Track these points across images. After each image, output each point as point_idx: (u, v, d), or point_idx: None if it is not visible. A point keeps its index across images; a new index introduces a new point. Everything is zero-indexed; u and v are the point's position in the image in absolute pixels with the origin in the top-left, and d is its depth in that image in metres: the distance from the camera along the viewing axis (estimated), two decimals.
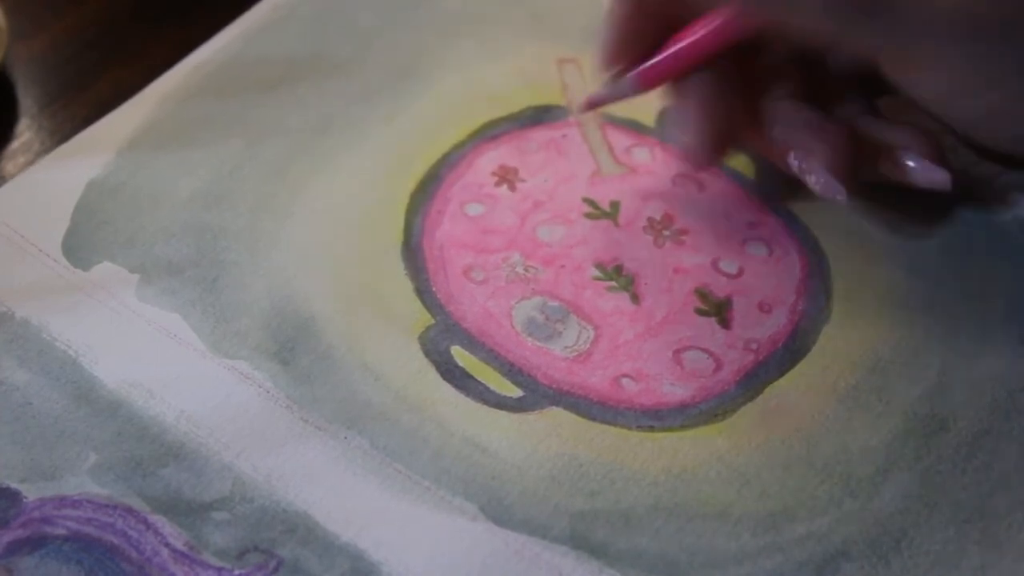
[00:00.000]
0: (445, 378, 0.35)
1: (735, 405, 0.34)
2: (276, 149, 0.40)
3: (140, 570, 0.31)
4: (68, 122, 0.41)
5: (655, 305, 0.36)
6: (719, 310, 0.36)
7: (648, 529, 0.32)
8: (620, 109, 0.40)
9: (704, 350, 0.35)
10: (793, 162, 0.36)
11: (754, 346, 0.36)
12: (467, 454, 0.33)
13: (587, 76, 0.42)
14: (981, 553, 0.31)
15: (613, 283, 0.37)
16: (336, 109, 0.41)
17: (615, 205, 0.39)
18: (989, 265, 0.37)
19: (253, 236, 0.37)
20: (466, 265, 0.37)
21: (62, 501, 0.32)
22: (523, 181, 0.39)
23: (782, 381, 0.35)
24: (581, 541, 0.32)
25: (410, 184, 0.39)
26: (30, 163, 0.40)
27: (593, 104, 0.38)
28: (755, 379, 0.35)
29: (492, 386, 0.35)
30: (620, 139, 0.40)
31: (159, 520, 0.31)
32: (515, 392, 0.34)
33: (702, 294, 0.37)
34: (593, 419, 0.34)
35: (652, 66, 0.36)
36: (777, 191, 0.39)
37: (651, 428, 0.34)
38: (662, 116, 0.40)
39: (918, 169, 0.36)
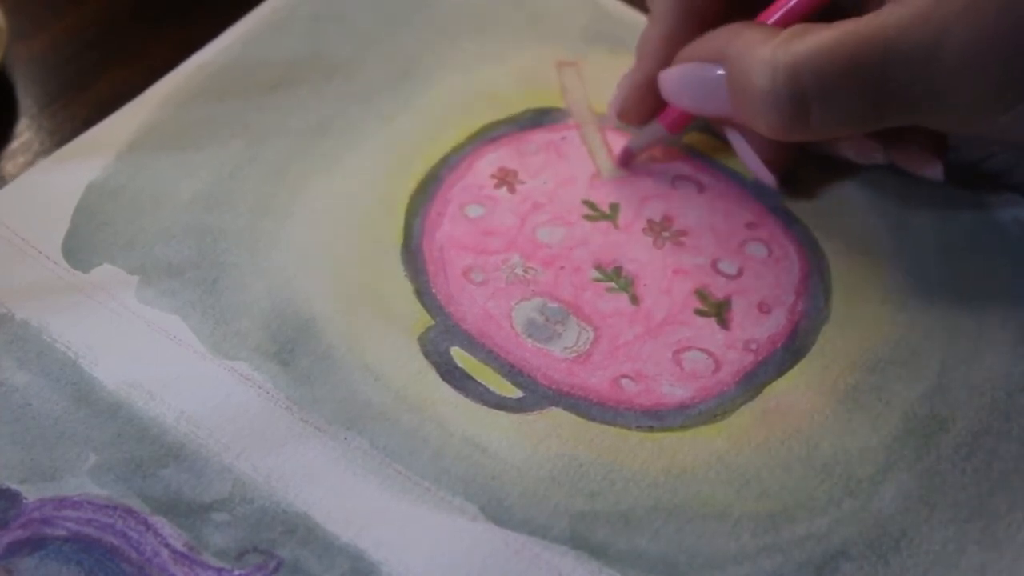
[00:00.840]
0: (445, 379, 0.35)
1: (735, 405, 0.34)
2: (276, 150, 0.40)
3: (140, 571, 0.31)
4: (68, 122, 0.41)
5: (655, 306, 0.36)
6: (718, 311, 0.36)
7: (648, 529, 0.32)
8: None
9: (703, 351, 0.35)
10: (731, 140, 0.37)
11: (753, 346, 0.36)
12: (467, 454, 0.33)
13: (586, 79, 0.42)
14: (981, 553, 0.31)
15: (613, 284, 0.37)
16: (336, 110, 0.41)
17: (614, 207, 0.39)
18: (989, 265, 0.37)
19: (253, 237, 0.37)
20: (466, 266, 0.37)
21: (62, 502, 0.32)
22: (523, 183, 0.39)
23: (781, 381, 0.35)
24: (581, 541, 0.32)
25: (410, 185, 0.39)
26: (30, 163, 0.40)
27: (629, 154, 0.39)
28: (754, 379, 0.35)
29: (492, 387, 0.35)
30: (619, 142, 0.40)
31: (159, 521, 0.31)
32: (515, 393, 0.34)
33: (701, 295, 0.37)
34: (593, 420, 0.34)
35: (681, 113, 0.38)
36: (776, 191, 0.39)
37: (651, 428, 0.34)
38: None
39: (914, 158, 0.36)
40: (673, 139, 0.40)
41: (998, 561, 0.31)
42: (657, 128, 0.38)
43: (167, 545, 0.31)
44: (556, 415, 0.34)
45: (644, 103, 0.38)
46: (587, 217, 0.38)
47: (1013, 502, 0.32)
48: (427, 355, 0.35)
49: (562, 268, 0.37)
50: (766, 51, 0.33)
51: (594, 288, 0.37)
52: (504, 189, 0.39)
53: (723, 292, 0.37)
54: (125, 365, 0.34)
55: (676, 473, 0.33)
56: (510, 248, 0.38)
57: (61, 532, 0.31)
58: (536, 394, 0.34)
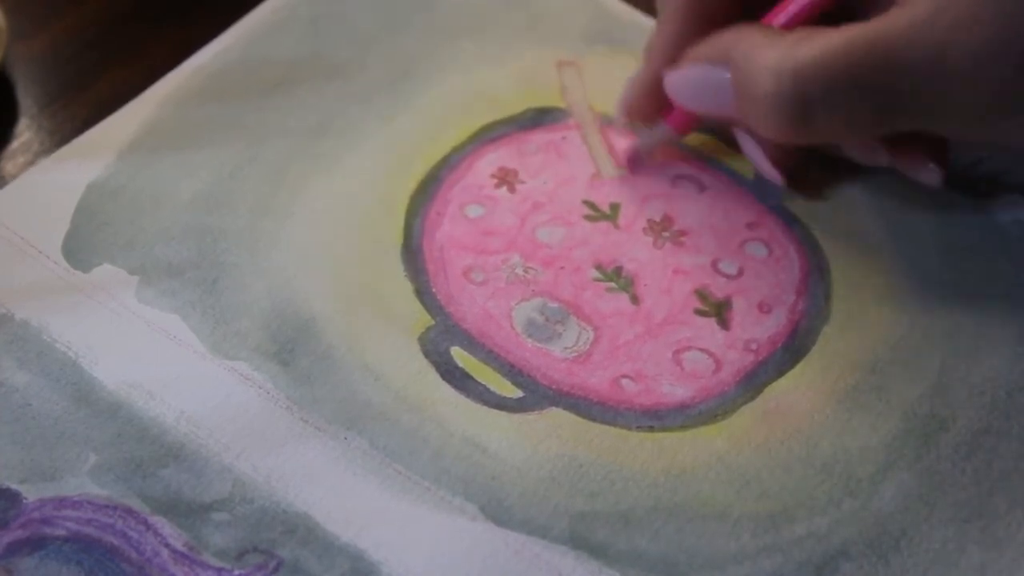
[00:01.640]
0: (445, 379, 0.35)
1: (735, 405, 0.34)
2: (276, 150, 0.40)
3: (140, 571, 0.31)
4: (68, 122, 0.41)
5: (655, 306, 0.36)
6: (719, 311, 0.36)
7: (648, 529, 0.32)
8: None
9: (704, 351, 0.35)
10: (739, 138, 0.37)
11: (754, 346, 0.36)
12: (467, 454, 0.33)
13: (586, 79, 0.42)
14: (981, 552, 0.32)
15: (613, 284, 0.37)
16: (336, 111, 0.41)
17: (615, 207, 0.39)
18: (989, 265, 0.37)
19: (253, 237, 0.37)
20: (466, 266, 0.37)
21: (62, 502, 0.32)
22: (523, 183, 0.39)
23: (782, 381, 0.35)
24: (581, 541, 0.32)
25: (410, 185, 0.39)
26: (30, 163, 0.40)
27: (637, 155, 0.40)
28: (755, 379, 0.35)
29: (492, 387, 0.35)
30: (620, 141, 0.40)
31: (159, 521, 0.31)
32: (515, 393, 0.35)
33: (702, 295, 0.37)
34: (593, 420, 0.34)
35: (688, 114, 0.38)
36: (777, 191, 0.39)
37: (651, 428, 0.34)
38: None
39: (914, 163, 0.36)
40: (680, 140, 0.40)
41: (998, 561, 0.31)
42: (665, 129, 0.38)
43: (167, 545, 0.31)
44: (556, 415, 0.34)
45: (651, 102, 0.38)
46: (587, 217, 0.38)
47: (1013, 501, 0.32)
48: (427, 355, 0.35)
49: (562, 268, 0.37)
50: (771, 55, 0.32)
51: (594, 288, 0.37)
52: (504, 189, 0.39)
53: (723, 292, 0.37)
54: (125, 365, 0.34)
55: (676, 473, 0.33)
56: (510, 248, 0.38)
57: (61, 532, 0.31)
58: (536, 394, 0.35)
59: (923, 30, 0.31)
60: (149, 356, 0.35)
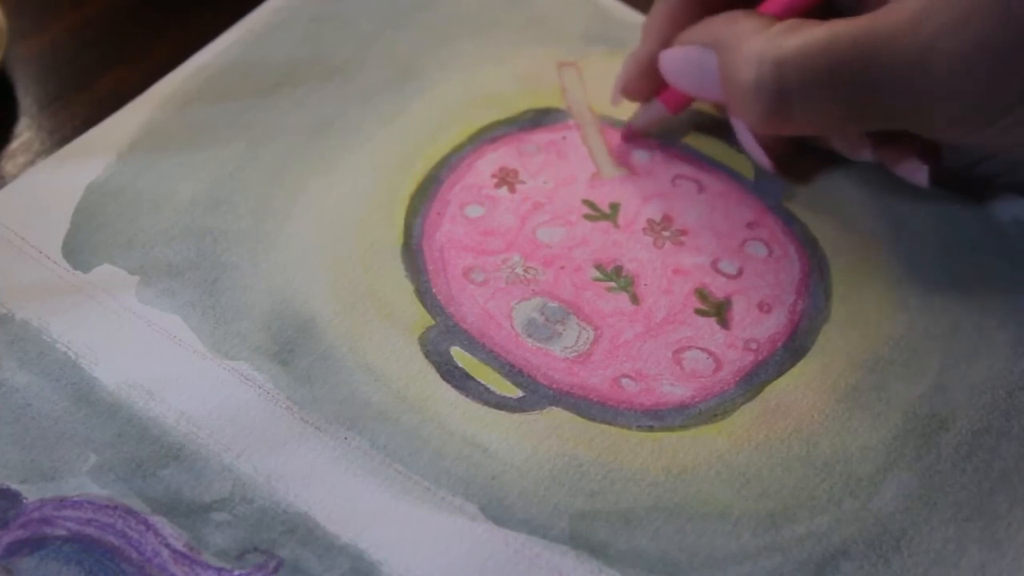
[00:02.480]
0: (445, 379, 0.35)
1: (735, 405, 0.34)
2: (276, 151, 0.40)
3: (140, 571, 0.31)
4: (68, 122, 0.41)
5: (655, 306, 0.36)
6: (719, 310, 0.36)
7: (648, 529, 0.32)
8: (621, 112, 0.40)
9: (704, 350, 0.35)
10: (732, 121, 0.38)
11: (754, 346, 0.36)
12: (467, 454, 0.33)
13: (586, 79, 0.42)
14: (981, 552, 0.32)
15: (613, 284, 0.37)
16: (336, 111, 0.41)
17: (615, 207, 0.39)
18: (988, 265, 0.37)
19: (253, 238, 0.37)
20: (466, 266, 0.37)
21: (62, 502, 0.32)
22: (523, 183, 0.39)
23: (782, 381, 0.35)
24: (581, 541, 0.32)
25: (410, 186, 0.39)
26: (30, 163, 0.40)
27: (632, 131, 0.40)
28: (755, 379, 0.35)
29: (492, 387, 0.35)
30: (619, 141, 0.40)
31: (159, 521, 0.31)
32: (515, 393, 0.35)
33: (702, 294, 0.37)
34: (593, 419, 0.34)
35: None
36: (777, 191, 0.39)
37: (651, 428, 0.34)
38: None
39: (902, 160, 0.36)
40: (674, 119, 0.40)
41: (998, 561, 0.31)
42: (658, 107, 0.39)
43: (167, 545, 0.31)
44: (556, 415, 0.34)
45: (647, 80, 0.39)
46: (587, 217, 0.38)
47: (1013, 501, 0.32)
48: (427, 355, 0.35)
49: (562, 268, 0.37)
50: (756, 43, 0.33)
51: (594, 288, 0.37)
52: (504, 189, 0.39)
53: (723, 292, 0.37)
54: (125, 365, 0.34)
55: (676, 472, 0.33)
56: (510, 248, 0.38)
57: (61, 532, 0.31)
58: (536, 394, 0.34)
59: (908, 31, 0.31)
60: (149, 356, 0.35)
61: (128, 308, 0.36)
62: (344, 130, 0.40)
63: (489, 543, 0.31)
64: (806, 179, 0.39)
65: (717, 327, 0.36)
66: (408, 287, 0.37)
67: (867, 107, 0.32)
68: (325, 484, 0.32)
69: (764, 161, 0.37)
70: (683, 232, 0.38)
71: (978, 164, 0.39)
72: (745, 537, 0.32)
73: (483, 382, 0.35)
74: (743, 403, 0.34)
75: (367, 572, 0.31)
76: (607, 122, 0.41)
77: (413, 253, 0.37)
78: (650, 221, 0.38)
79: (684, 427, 0.34)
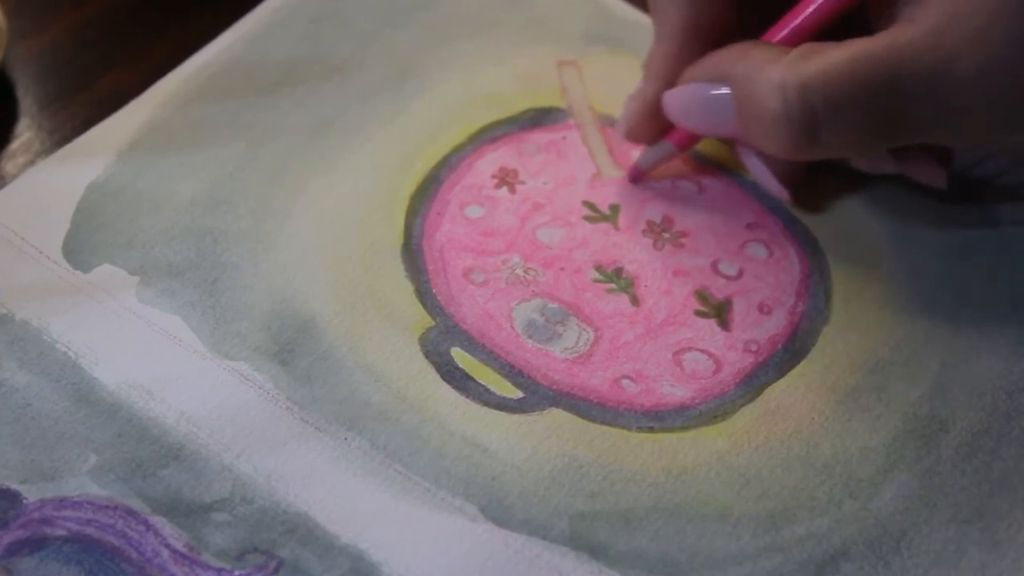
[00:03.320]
0: (445, 379, 0.35)
1: (735, 406, 0.34)
2: (276, 151, 0.40)
3: (140, 571, 0.31)
4: (68, 122, 0.41)
5: (655, 307, 0.36)
6: (719, 312, 0.36)
7: (648, 530, 0.32)
8: (621, 111, 0.40)
9: (704, 351, 0.35)
10: (743, 157, 0.37)
11: (754, 347, 0.36)
12: (467, 455, 0.33)
13: (587, 78, 0.42)
14: (981, 553, 0.32)
15: (613, 285, 0.37)
16: (336, 111, 0.41)
17: (615, 208, 0.39)
18: (989, 266, 0.37)
19: (253, 238, 0.37)
20: (466, 267, 0.37)
21: (62, 502, 0.32)
22: (523, 183, 0.39)
23: (782, 382, 0.35)
24: (581, 542, 0.32)
25: (410, 186, 0.39)
26: (30, 163, 0.40)
27: (639, 172, 0.39)
28: (755, 380, 0.35)
29: (492, 387, 0.35)
30: (620, 141, 0.40)
31: (159, 521, 0.31)
32: (515, 393, 0.35)
33: (702, 296, 0.37)
34: (593, 420, 0.34)
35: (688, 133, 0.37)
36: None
37: (651, 429, 0.34)
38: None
39: (921, 168, 0.36)
40: (681, 155, 0.39)
41: (998, 562, 0.31)
42: (667, 146, 0.38)
43: (167, 545, 0.31)
44: (556, 415, 0.34)
45: (651, 123, 0.38)
46: (587, 218, 0.38)
47: (1013, 503, 0.32)
48: (427, 355, 0.35)
49: (562, 269, 0.37)
50: (775, 72, 0.32)
51: (594, 289, 0.37)
52: (504, 189, 0.39)
53: (723, 293, 0.37)
54: (125, 365, 0.34)
55: (676, 473, 0.33)
56: (510, 249, 0.38)
57: (61, 532, 0.31)
58: (536, 395, 0.35)
59: (931, 44, 0.31)
60: (149, 356, 0.35)
61: (128, 308, 0.36)
62: (344, 130, 0.40)
63: (489, 544, 0.31)
64: (820, 204, 0.39)
65: (717, 328, 0.36)
66: (408, 287, 0.37)
67: (895, 124, 0.32)
68: (325, 484, 0.32)
69: (781, 193, 0.37)
70: (683, 234, 0.38)
71: (978, 165, 0.39)
72: (745, 538, 0.32)
73: (483, 383, 0.35)
74: (743, 404, 0.34)
75: (367, 572, 0.31)
76: (607, 121, 0.41)
77: (413, 253, 0.37)
78: (650, 222, 0.38)
79: (684, 428, 0.34)
